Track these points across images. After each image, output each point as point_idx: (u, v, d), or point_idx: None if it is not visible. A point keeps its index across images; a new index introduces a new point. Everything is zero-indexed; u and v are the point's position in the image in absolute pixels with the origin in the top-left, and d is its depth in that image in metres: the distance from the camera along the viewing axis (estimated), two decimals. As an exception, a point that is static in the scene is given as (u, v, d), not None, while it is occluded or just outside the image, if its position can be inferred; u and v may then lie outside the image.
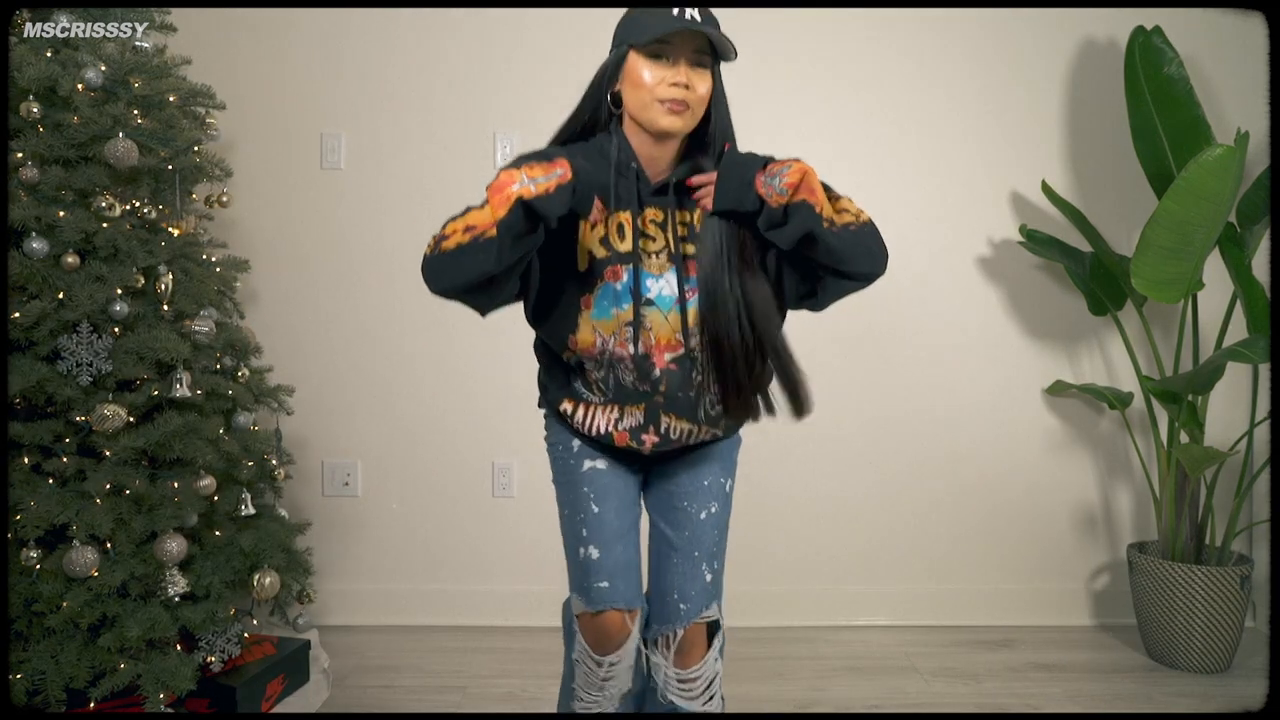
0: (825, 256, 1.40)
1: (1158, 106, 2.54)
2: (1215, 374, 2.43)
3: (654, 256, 1.45)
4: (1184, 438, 2.63)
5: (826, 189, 1.41)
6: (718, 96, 1.44)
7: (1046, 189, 2.75)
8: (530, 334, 1.57)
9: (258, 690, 2.16)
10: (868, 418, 2.85)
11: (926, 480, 2.86)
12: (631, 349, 1.44)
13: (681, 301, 1.45)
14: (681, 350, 1.45)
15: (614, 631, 1.54)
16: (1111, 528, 2.89)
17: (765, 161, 1.40)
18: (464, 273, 1.32)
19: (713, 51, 1.41)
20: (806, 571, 2.87)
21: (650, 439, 1.50)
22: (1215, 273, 2.65)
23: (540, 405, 1.65)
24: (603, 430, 1.52)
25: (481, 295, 1.39)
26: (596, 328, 1.45)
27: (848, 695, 2.37)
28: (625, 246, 1.44)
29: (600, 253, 1.45)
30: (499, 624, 2.82)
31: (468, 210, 1.34)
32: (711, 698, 1.60)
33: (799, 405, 1.47)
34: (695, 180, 1.43)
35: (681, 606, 1.56)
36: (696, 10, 1.39)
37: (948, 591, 2.87)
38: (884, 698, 2.35)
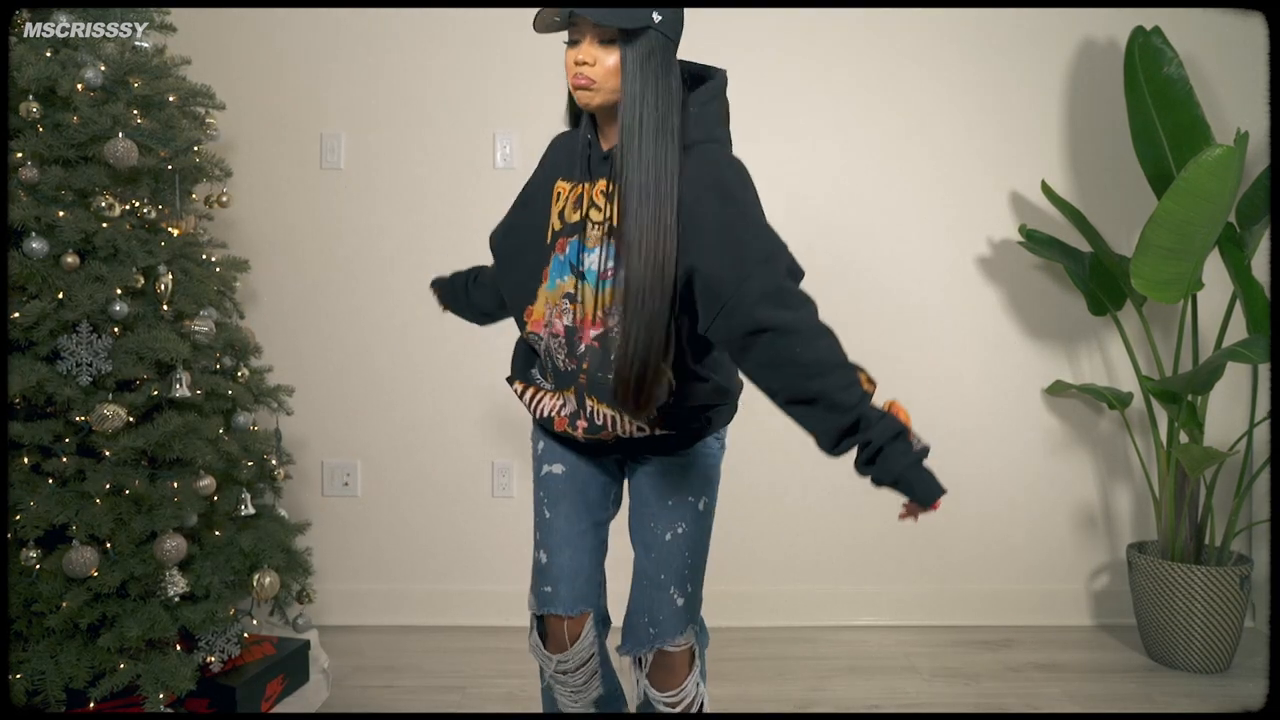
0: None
1: (1158, 106, 2.54)
2: (1215, 374, 2.43)
3: (596, 228, 1.43)
4: (1184, 438, 2.63)
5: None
6: (635, 69, 1.35)
7: (1046, 189, 2.75)
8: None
9: (257, 690, 2.16)
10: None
11: (926, 480, 2.86)
12: (566, 321, 1.46)
13: (601, 277, 1.42)
14: (602, 329, 1.42)
15: (557, 634, 1.57)
16: (1111, 528, 2.89)
17: (900, 431, 1.33)
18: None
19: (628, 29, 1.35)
20: (807, 571, 2.87)
21: (581, 424, 1.49)
22: (1215, 273, 2.65)
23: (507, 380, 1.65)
24: (546, 414, 1.53)
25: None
26: (548, 298, 1.49)
27: (848, 695, 2.37)
28: (576, 217, 1.46)
29: (556, 225, 1.49)
30: (499, 624, 2.82)
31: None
32: (699, 709, 1.61)
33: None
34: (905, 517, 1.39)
35: (650, 630, 1.54)
36: None
37: (948, 591, 2.87)
38: (884, 698, 2.35)
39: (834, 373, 1.33)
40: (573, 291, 1.44)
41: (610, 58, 1.36)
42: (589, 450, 1.59)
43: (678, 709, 1.58)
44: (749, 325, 1.32)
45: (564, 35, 1.42)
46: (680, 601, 1.55)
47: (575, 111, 1.51)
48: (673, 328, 1.37)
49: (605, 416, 1.46)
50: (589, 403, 1.46)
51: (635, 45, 1.35)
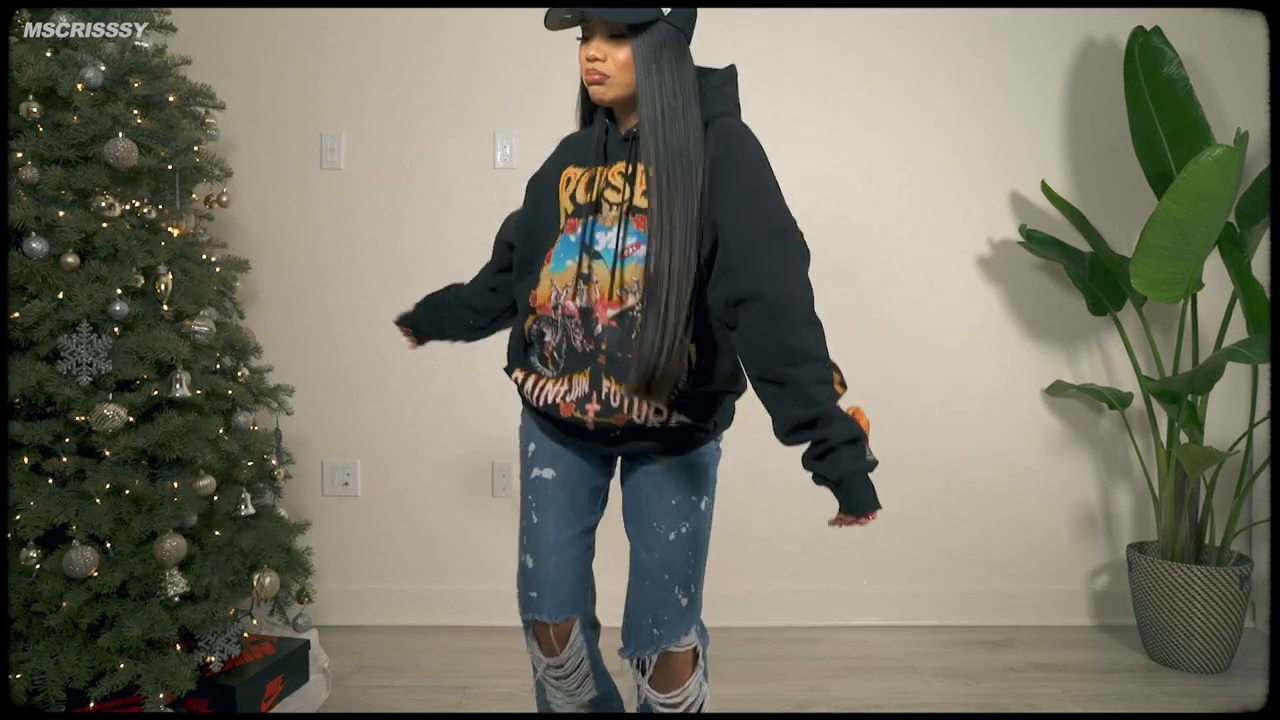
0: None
1: (1158, 106, 2.54)
2: (1215, 374, 2.43)
3: (612, 209, 1.44)
4: (1183, 438, 2.63)
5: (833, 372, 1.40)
6: (648, 62, 1.37)
7: (1046, 189, 2.75)
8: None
9: (257, 690, 2.16)
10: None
11: (927, 480, 2.86)
12: (580, 301, 1.43)
13: (620, 256, 1.41)
14: (621, 307, 1.40)
15: (545, 638, 1.56)
16: (1111, 528, 2.89)
17: (857, 436, 1.31)
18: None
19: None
20: (806, 571, 2.87)
21: (593, 408, 1.43)
22: (1215, 273, 2.65)
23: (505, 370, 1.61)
24: (550, 401, 1.48)
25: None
26: (553, 281, 1.46)
27: (848, 695, 2.37)
28: (588, 199, 1.46)
29: (568, 208, 1.49)
30: (499, 624, 2.82)
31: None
32: (700, 709, 1.60)
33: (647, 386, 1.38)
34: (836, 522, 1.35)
35: (655, 631, 1.52)
36: None
37: (948, 591, 2.87)
38: (884, 698, 2.35)
39: (810, 364, 1.32)
40: (586, 272, 1.43)
41: (621, 52, 1.39)
42: (583, 450, 1.56)
43: (679, 709, 1.55)
44: (748, 290, 1.34)
45: (576, 31, 1.43)
46: (684, 601, 1.52)
47: (588, 110, 1.53)
48: (692, 308, 1.37)
49: (621, 398, 1.42)
50: (606, 384, 1.42)
51: (644, 38, 1.37)
